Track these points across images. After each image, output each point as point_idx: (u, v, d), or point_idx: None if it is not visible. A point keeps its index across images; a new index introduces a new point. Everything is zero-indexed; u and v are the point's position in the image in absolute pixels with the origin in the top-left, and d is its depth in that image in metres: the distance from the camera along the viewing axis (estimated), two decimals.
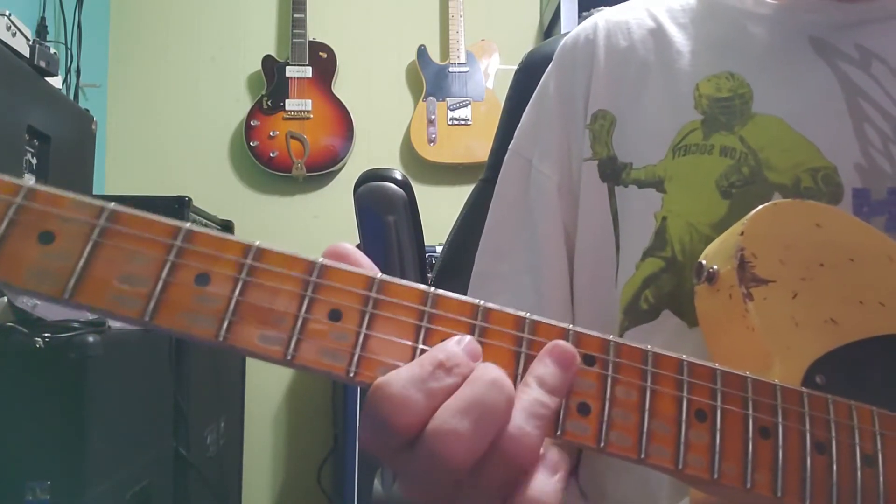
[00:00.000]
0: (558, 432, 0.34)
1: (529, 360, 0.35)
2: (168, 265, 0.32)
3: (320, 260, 0.34)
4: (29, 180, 0.33)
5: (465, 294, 0.36)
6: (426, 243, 1.33)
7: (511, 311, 0.36)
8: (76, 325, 1.20)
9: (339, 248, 0.36)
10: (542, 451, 0.35)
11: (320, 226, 2.50)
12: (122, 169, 2.51)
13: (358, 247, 0.37)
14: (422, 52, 2.57)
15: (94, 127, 1.78)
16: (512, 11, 2.65)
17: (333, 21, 2.61)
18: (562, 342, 0.35)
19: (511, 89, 0.99)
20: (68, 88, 2.17)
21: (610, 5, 0.73)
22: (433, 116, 2.52)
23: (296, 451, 2.48)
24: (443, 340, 0.34)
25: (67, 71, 2.17)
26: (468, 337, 0.34)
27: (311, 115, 2.49)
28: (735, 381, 0.38)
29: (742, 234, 0.46)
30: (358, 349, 0.33)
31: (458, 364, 0.33)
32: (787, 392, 0.38)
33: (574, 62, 0.70)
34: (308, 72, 2.51)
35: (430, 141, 2.51)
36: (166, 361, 1.58)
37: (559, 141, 0.68)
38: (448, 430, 0.32)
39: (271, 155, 2.47)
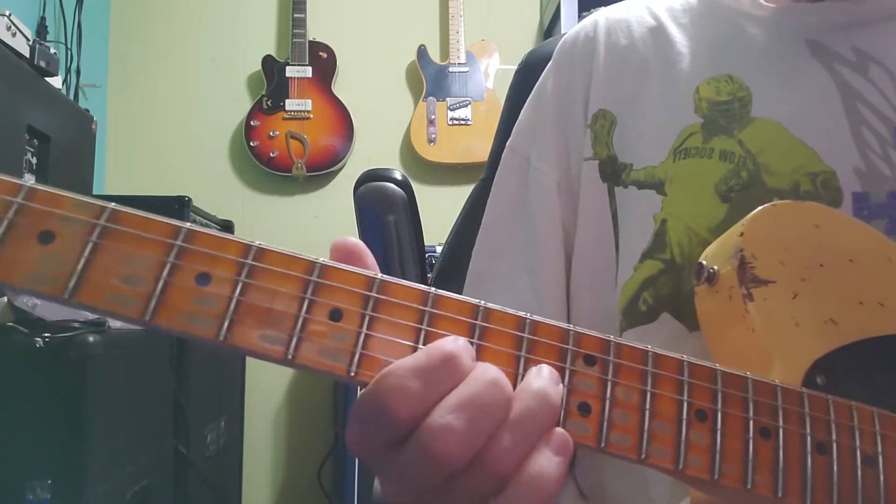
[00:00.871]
0: None
1: (529, 361, 0.35)
2: (168, 265, 0.32)
3: (320, 260, 0.34)
4: (29, 180, 0.33)
5: (461, 292, 0.36)
6: (426, 243, 1.33)
7: (511, 311, 0.36)
8: (76, 325, 1.20)
9: (346, 243, 0.36)
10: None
11: (320, 226, 2.50)
12: (122, 169, 2.51)
13: None
14: (422, 52, 2.57)
15: (94, 127, 1.78)
16: (512, 11, 2.65)
17: (333, 21, 2.60)
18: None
19: (511, 89, 0.98)
20: (68, 88, 2.17)
21: (609, 5, 0.73)
22: (433, 116, 2.52)
23: (296, 451, 2.48)
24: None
25: (67, 71, 2.17)
26: (463, 338, 0.34)
27: (311, 115, 2.49)
28: (735, 381, 0.38)
29: (742, 234, 0.46)
30: (359, 349, 0.33)
31: (462, 359, 0.33)
32: (787, 393, 0.38)
33: (573, 60, 0.69)
34: (308, 72, 2.51)
35: (430, 141, 2.51)
36: (166, 361, 1.58)
37: (557, 139, 0.68)
38: (443, 426, 0.32)
39: (271, 155, 2.47)
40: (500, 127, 1.00)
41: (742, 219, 0.48)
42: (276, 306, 0.33)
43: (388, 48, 2.62)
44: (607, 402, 0.35)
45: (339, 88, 2.55)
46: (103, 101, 2.50)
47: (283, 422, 2.49)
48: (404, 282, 0.35)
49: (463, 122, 2.51)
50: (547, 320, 0.36)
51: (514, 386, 0.35)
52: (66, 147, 1.62)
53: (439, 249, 1.72)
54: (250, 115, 2.49)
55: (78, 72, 2.22)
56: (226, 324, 0.32)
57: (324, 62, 2.54)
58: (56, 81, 1.66)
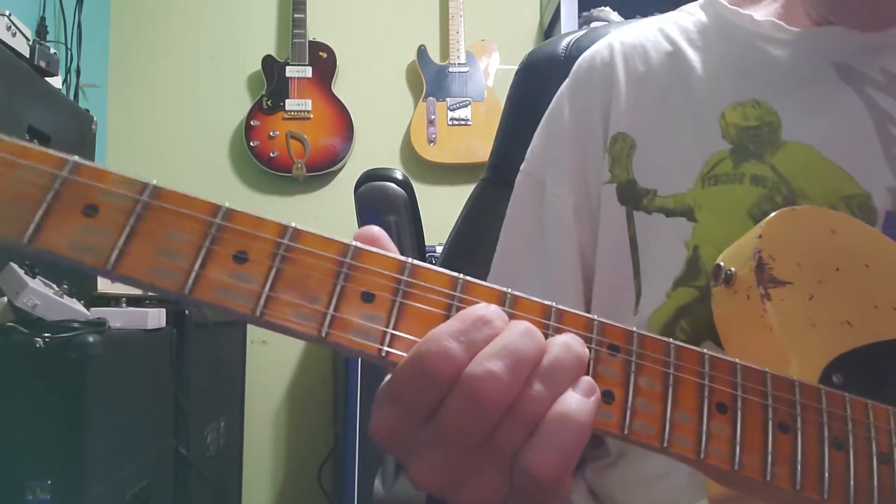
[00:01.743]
0: None
1: None
2: (208, 241, 0.33)
3: (354, 243, 0.35)
4: None
5: None
6: (426, 243, 1.33)
7: (537, 299, 0.36)
8: (76, 325, 1.20)
9: (371, 231, 0.37)
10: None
11: (320, 226, 2.42)
12: (122, 169, 2.48)
13: None
14: (422, 52, 2.57)
15: (94, 127, 1.78)
16: (512, 11, 2.66)
17: (333, 21, 2.60)
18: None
19: (512, 89, 0.98)
20: (68, 88, 2.16)
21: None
22: (433, 116, 2.52)
23: (296, 451, 2.48)
24: None
25: (67, 71, 2.17)
26: (494, 304, 0.36)
27: (311, 115, 2.49)
28: (755, 375, 0.38)
29: (760, 236, 0.47)
30: (390, 329, 0.34)
31: (495, 320, 0.35)
32: (805, 388, 0.39)
33: (590, 85, 0.69)
34: (308, 72, 2.51)
35: (430, 141, 2.51)
36: (166, 361, 1.58)
37: (575, 162, 0.67)
38: (486, 371, 0.33)
39: (271, 155, 2.47)
40: (500, 127, 0.99)
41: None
42: (310, 285, 0.34)
43: (388, 48, 2.62)
44: (630, 391, 0.36)
45: (339, 88, 2.55)
46: (103, 101, 2.49)
47: (283, 422, 2.49)
48: (434, 267, 0.36)
49: (463, 123, 2.51)
50: (572, 310, 0.37)
51: None
52: (66, 147, 1.60)
53: (439, 249, 1.72)
54: (250, 115, 2.49)
55: (78, 72, 2.21)
56: (262, 300, 0.33)
57: (324, 62, 2.54)
58: (56, 81, 1.66)
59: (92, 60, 2.31)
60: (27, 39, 1.53)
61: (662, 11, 0.74)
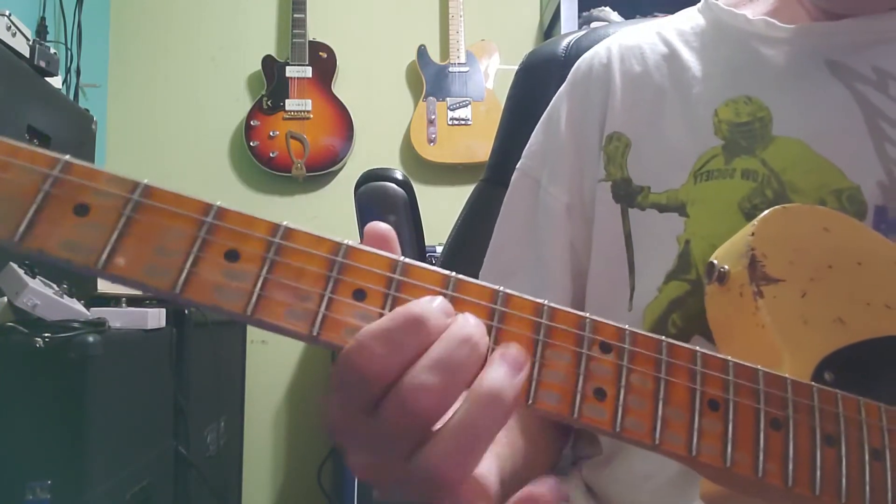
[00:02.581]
0: (574, 415, 0.35)
1: (548, 346, 0.36)
2: (199, 240, 0.33)
3: (346, 241, 0.35)
4: None
5: None
6: (426, 243, 1.33)
7: (530, 298, 0.36)
8: (76, 325, 1.20)
9: (380, 227, 0.37)
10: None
11: (320, 226, 2.47)
12: (122, 169, 2.45)
13: None
14: (422, 52, 2.57)
15: (94, 127, 1.78)
16: (512, 11, 2.66)
17: (333, 21, 2.61)
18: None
19: (512, 89, 0.99)
20: (68, 88, 2.17)
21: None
22: (433, 116, 2.52)
23: (296, 451, 2.48)
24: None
25: (67, 71, 2.17)
26: (439, 297, 0.34)
27: (311, 115, 2.49)
28: (747, 373, 0.38)
29: (752, 234, 0.47)
30: None
31: (428, 320, 0.33)
32: (797, 385, 0.39)
33: (588, 87, 0.70)
34: (308, 72, 2.51)
35: (430, 141, 2.51)
36: (166, 361, 1.58)
37: (571, 162, 0.68)
38: (418, 385, 0.32)
39: (271, 155, 2.47)
40: (500, 127, 1.00)
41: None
42: (302, 284, 0.34)
43: (388, 48, 2.62)
44: (622, 388, 0.36)
45: (339, 88, 2.55)
46: (103, 101, 2.50)
47: (283, 422, 2.49)
48: (426, 265, 0.36)
49: (463, 123, 2.51)
50: (564, 308, 0.37)
51: (533, 367, 0.35)
52: (66, 147, 1.61)
53: (439, 249, 1.72)
54: (250, 115, 2.49)
55: (78, 72, 2.22)
56: (253, 299, 0.33)
57: (324, 62, 2.54)
58: (56, 81, 1.66)
59: (92, 60, 2.31)
60: (27, 39, 1.54)
61: (662, 12, 0.75)
